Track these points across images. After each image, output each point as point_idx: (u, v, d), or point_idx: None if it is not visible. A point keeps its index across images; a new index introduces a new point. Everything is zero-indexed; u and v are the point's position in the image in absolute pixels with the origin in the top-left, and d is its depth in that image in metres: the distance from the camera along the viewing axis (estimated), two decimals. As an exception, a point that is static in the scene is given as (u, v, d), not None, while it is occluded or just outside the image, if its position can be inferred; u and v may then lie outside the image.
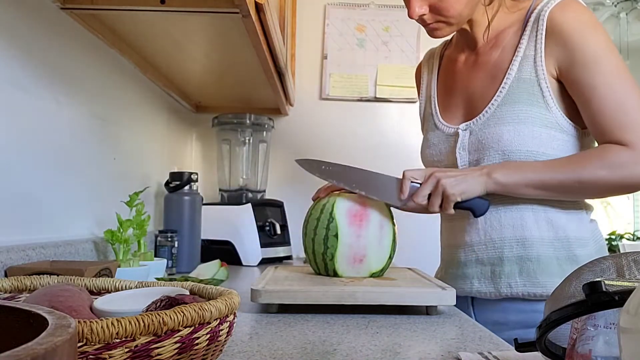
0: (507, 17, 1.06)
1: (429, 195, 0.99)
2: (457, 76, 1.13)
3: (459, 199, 0.97)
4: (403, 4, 1.04)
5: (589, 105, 0.95)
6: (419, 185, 1.01)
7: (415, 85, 1.30)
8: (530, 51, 1.00)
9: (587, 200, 1.06)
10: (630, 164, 0.91)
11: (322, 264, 1.03)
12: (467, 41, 1.11)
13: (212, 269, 1.26)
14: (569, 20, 0.96)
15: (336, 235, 1.02)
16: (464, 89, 1.10)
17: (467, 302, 1.09)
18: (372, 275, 1.06)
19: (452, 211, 0.98)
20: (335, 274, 1.03)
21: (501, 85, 1.02)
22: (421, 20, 1.01)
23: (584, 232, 1.02)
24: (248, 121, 1.97)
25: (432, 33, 1.05)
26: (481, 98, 1.05)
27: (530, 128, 0.98)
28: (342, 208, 1.04)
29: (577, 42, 0.95)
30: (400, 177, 1.03)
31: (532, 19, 1.01)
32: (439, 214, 1.20)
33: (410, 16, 1.00)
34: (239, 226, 1.72)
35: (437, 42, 1.22)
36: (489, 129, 1.01)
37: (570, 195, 0.98)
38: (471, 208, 0.99)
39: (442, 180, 0.97)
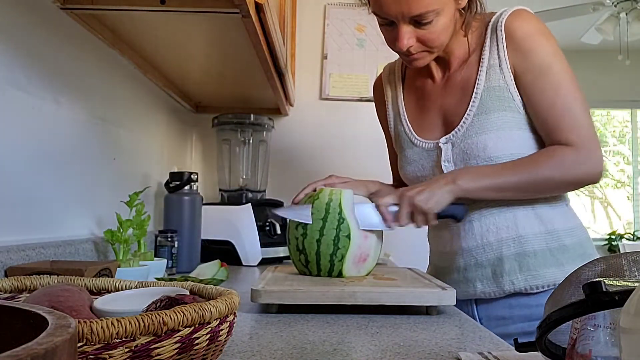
0: (469, 35, 1.10)
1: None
2: (429, 96, 1.16)
3: (437, 211, 1.01)
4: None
5: (539, 107, 1.02)
6: (395, 207, 1.04)
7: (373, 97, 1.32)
8: (494, 60, 1.05)
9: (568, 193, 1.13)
10: (576, 163, 0.99)
11: (328, 265, 1.03)
12: (440, 65, 1.14)
13: (212, 269, 1.26)
14: (522, 28, 1.03)
15: (348, 236, 1.02)
16: (438, 107, 1.13)
17: (469, 303, 1.11)
18: (368, 274, 1.07)
19: (435, 222, 1.03)
20: (340, 275, 1.03)
21: (472, 96, 1.06)
22: (407, 51, 1.03)
23: (570, 222, 1.08)
24: (248, 121, 1.97)
25: (413, 63, 1.07)
26: (455, 112, 1.09)
27: (509, 132, 1.03)
28: (349, 207, 1.04)
29: (530, 48, 1.02)
30: (374, 199, 1.07)
31: (489, 30, 1.06)
32: None
33: (399, 47, 1.02)
34: (239, 226, 1.71)
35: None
36: (471, 139, 1.05)
37: (526, 194, 1.04)
38: (452, 215, 1.04)
39: (415, 200, 1.01)
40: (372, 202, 1.07)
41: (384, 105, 1.27)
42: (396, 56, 1.16)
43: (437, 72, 1.15)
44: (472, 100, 1.06)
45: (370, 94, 2.26)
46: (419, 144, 1.14)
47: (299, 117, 2.22)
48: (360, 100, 2.22)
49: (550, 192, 1.05)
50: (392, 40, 1.03)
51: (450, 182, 1.01)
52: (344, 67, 2.23)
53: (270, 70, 1.49)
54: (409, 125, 1.18)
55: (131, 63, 1.43)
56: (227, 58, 1.49)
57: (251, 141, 2.02)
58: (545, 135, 1.03)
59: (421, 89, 1.18)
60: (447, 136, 1.09)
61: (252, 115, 1.97)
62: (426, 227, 1.27)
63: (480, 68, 1.06)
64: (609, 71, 5.70)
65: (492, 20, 1.07)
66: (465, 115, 1.06)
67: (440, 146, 1.10)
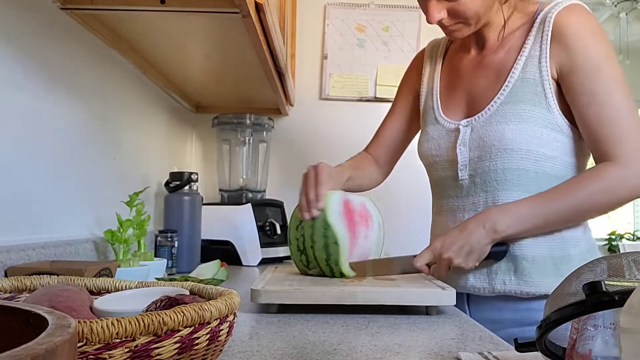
0: (516, 19, 1.07)
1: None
2: (461, 73, 1.13)
3: (477, 264, 1.00)
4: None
5: (586, 112, 0.97)
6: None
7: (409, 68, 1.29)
8: (535, 52, 1.01)
9: None
10: (623, 183, 0.95)
11: (327, 268, 1.03)
12: (477, 40, 1.12)
13: (212, 269, 1.26)
14: (574, 25, 0.98)
15: (336, 243, 1.01)
16: (467, 86, 1.11)
17: (462, 299, 1.10)
18: None
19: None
20: (342, 275, 1.03)
21: (505, 84, 1.03)
22: (440, 24, 1.03)
23: (577, 231, 1.04)
24: (248, 121, 1.97)
25: (451, 35, 1.06)
26: (483, 96, 1.06)
27: (532, 128, 0.99)
28: (335, 212, 1.03)
29: (580, 48, 0.97)
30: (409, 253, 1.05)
31: (538, 20, 1.03)
32: (431, 207, 1.21)
33: (429, 21, 1.02)
34: (239, 226, 1.72)
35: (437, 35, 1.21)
36: (490, 127, 1.02)
37: (570, 223, 1.01)
38: (491, 258, 1.01)
39: (455, 262, 0.98)
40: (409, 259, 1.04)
41: (416, 77, 1.25)
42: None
43: (473, 49, 1.13)
44: (503, 87, 1.03)
45: (370, 94, 2.27)
46: (442, 122, 1.12)
47: (299, 117, 2.22)
48: (360, 100, 2.22)
49: (597, 216, 1.01)
50: (425, 13, 1.03)
51: (490, 231, 0.97)
52: (344, 67, 2.23)
53: (270, 70, 1.49)
54: (439, 100, 1.15)
55: (131, 63, 1.43)
56: (227, 58, 1.49)
57: (251, 141, 2.02)
58: (590, 142, 0.99)
59: (456, 65, 1.16)
60: (469, 120, 1.06)
61: (252, 115, 1.97)
62: (429, 219, 1.24)
63: (519, 57, 1.03)
64: (609, 71, 5.69)
65: (544, 10, 1.03)
66: (492, 102, 1.03)
67: (459, 128, 1.07)
